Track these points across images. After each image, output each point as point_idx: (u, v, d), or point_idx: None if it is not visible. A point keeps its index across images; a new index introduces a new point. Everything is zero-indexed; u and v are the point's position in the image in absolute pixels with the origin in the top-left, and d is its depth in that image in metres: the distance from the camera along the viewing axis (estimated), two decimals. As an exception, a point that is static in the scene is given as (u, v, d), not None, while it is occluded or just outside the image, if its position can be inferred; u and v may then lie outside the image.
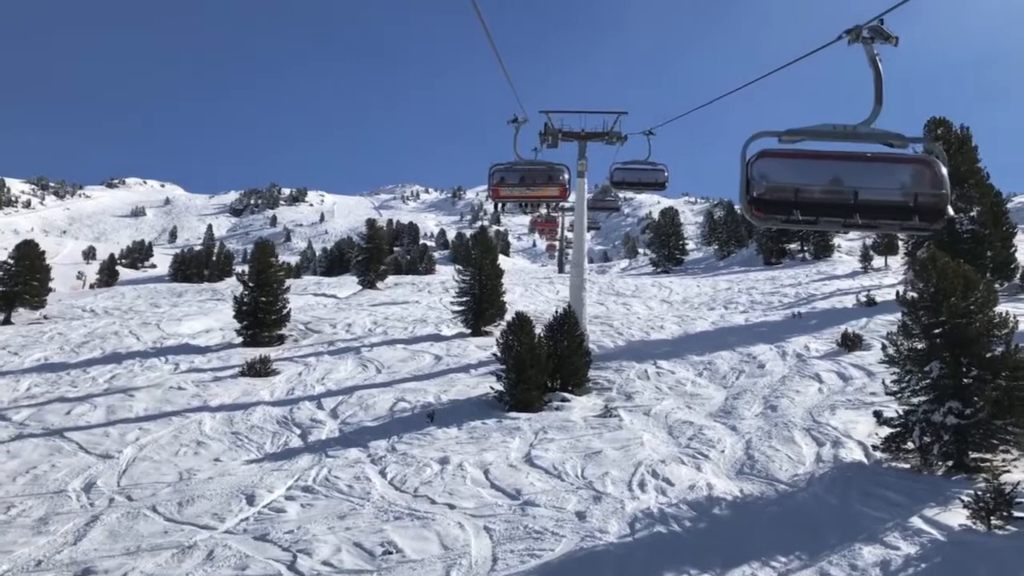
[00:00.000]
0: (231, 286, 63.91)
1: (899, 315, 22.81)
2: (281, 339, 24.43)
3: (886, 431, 12.30)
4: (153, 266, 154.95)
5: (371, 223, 43.92)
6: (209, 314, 29.64)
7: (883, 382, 13.05)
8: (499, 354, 16.12)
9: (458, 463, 12.66)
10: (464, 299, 23.35)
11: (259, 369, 18.71)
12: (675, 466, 12.36)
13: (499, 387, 16.04)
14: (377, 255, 41.22)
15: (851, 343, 18.70)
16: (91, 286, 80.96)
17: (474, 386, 17.61)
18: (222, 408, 16.57)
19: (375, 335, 24.49)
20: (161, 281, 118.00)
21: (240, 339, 23.93)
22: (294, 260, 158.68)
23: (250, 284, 24.12)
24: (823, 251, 45.40)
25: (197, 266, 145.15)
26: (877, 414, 12.53)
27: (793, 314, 23.91)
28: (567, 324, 17.04)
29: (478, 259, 23.23)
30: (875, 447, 12.33)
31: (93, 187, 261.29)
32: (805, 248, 47.29)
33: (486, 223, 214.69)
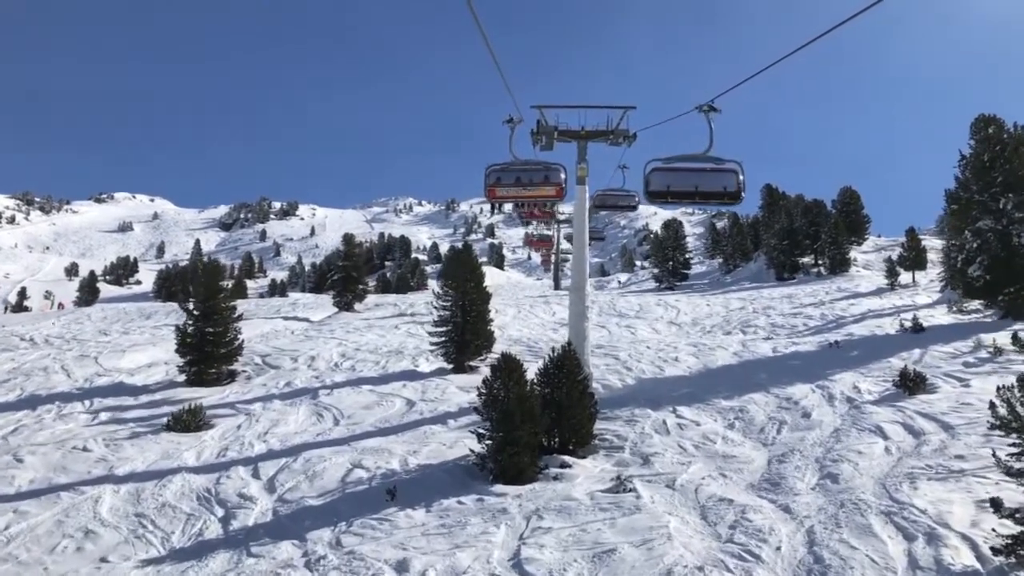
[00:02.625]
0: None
1: (957, 345, 19.58)
2: (232, 376, 20.99)
3: (1006, 523, 8.98)
4: (138, 282, 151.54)
5: (348, 238, 40.36)
6: (159, 344, 26.14)
7: (994, 454, 9.67)
8: (480, 408, 12.72)
9: (421, 571, 9.24)
10: (444, 329, 19.91)
11: (187, 422, 15.25)
12: (719, 575, 8.95)
13: (481, 447, 12.62)
14: (355, 273, 37.70)
15: (912, 384, 15.34)
16: (59, 306, 77.32)
17: (451, 443, 14.19)
18: (131, 477, 13.10)
19: (341, 371, 21.01)
20: (144, 298, 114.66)
21: (184, 377, 20.50)
22: (283, 275, 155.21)
23: (195, 312, 20.67)
24: (840, 265, 42.13)
25: (182, 282, 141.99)
26: (996, 504, 9.16)
27: (829, 343, 20.54)
28: (567, 365, 13.66)
29: (460, 281, 19.81)
30: (995, 550, 8.93)
31: (81, 202, 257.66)
32: (820, 262, 44.01)
33: (479, 236, 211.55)
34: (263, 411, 16.59)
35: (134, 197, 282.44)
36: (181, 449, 14.32)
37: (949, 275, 28.08)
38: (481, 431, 12.66)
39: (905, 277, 34.88)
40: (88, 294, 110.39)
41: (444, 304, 19.98)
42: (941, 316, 23.73)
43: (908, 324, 21.43)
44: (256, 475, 13.11)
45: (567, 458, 12.95)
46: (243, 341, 21.44)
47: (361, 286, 38.61)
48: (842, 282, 39.02)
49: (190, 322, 20.68)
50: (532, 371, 18.78)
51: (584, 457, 13.32)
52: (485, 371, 19.88)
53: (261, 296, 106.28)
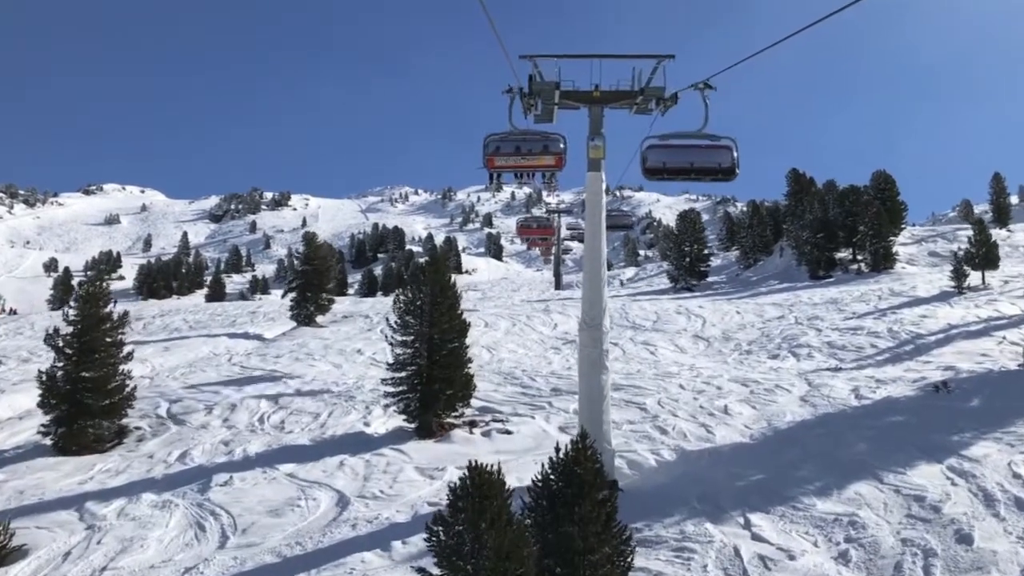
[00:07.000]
0: (186, 307, 54.56)
1: None
2: (121, 434, 15.56)
3: None
4: (121, 278, 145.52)
5: (310, 237, 34.53)
6: (53, 379, 20.54)
7: None
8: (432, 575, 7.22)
9: None
10: (403, 375, 14.34)
11: (-18, 551, 9.71)
12: None
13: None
14: (318, 280, 31.98)
15: (1117, 477, 9.80)
16: (11, 311, 71.63)
17: (391, 600, 8.64)
18: None
19: (264, 430, 15.43)
20: (125, 295, 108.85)
21: (51, 439, 15.02)
22: (271, 269, 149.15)
23: (67, 350, 15.17)
24: (883, 261, 36.55)
25: (165, 278, 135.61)
26: None
27: (935, 387, 14.97)
28: (580, 476, 8.15)
29: (426, 308, 14.18)
30: None
31: (68, 194, 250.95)
32: (860, 258, 38.37)
33: (476, 225, 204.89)
34: (118, 519, 10.95)
35: (124, 189, 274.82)
36: (-51, 611, 8.79)
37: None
38: (432, 608, 7.12)
39: (972, 277, 29.28)
40: (63, 292, 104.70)
41: (404, 340, 14.40)
42: (1059, 338, 18.20)
43: (1032, 355, 15.89)
44: (51, 675, 7.60)
45: (584, 650, 7.43)
46: (134, 388, 15.90)
47: (326, 294, 32.85)
48: (890, 281, 33.47)
49: (59, 364, 15.17)
50: (526, 435, 13.31)
51: (612, 636, 7.83)
52: (461, 435, 14.38)
53: (242, 296, 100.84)
